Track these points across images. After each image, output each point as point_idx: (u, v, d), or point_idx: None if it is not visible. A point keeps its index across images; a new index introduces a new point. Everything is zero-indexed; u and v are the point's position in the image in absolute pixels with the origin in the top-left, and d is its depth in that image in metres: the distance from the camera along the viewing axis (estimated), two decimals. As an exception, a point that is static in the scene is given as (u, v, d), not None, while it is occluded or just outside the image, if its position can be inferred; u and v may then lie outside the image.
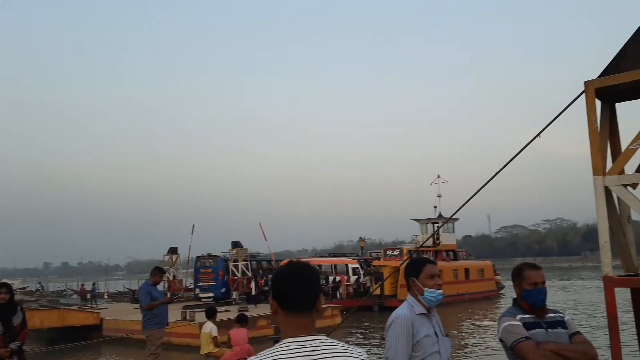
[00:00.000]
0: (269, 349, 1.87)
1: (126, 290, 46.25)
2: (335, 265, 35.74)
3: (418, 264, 3.18)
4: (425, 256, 3.33)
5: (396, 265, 16.96)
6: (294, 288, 1.88)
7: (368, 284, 31.74)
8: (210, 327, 9.27)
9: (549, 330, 3.04)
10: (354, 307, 12.59)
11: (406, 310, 3.06)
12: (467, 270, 37.71)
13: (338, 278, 33.03)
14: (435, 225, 38.15)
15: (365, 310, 28.20)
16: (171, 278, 33.78)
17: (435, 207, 38.99)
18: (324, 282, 31.32)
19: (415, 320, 3.01)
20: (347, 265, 35.71)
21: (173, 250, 34.63)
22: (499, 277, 41.76)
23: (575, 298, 33.08)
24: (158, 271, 8.67)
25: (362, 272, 34.56)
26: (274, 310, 1.91)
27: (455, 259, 39.00)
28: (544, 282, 3.13)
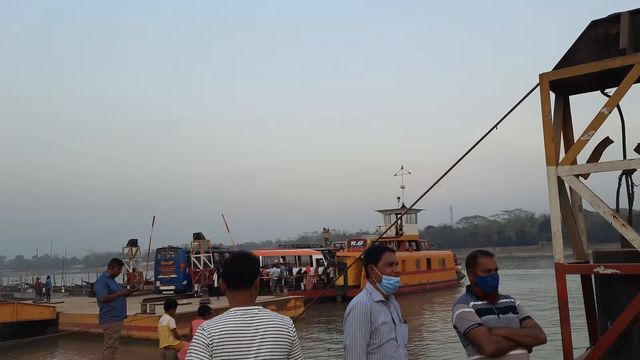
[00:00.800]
0: (219, 315, 2.48)
1: (84, 283, 45.13)
2: (299, 257, 35.83)
3: (377, 252, 3.20)
4: (384, 244, 3.34)
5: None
6: (235, 270, 2.55)
7: (332, 275, 31.94)
8: (167, 320, 9.14)
9: (501, 315, 3.11)
10: (315, 298, 12.64)
11: (365, 297, 3.08)
12: (429, 260, 38.39)
13: (304, 269, 33.13)
14: (398, 216, 38.65)
15: (329, 301, 28.40)
16: (131, 271, 33.14)
17: (398, 198, 39.50)
18: (287, 273, 31.36)
19: (373, 307, 3.03)
20: (310, 257, 35.84)
21: (133, 243, 33.95)
22: (459, 267, 42.68)
23: (531, 286, 34.17)
24: (116, 263, 8.48)
25: (326, 263, 34.77)
26: (223, 288, 2.57)
27: (418, 249, 39.63)
28: (496, 269, 3.20)
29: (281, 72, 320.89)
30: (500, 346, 2.96)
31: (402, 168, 40.21)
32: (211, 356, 2.35)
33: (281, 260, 33.51)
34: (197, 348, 2.37)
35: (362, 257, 3.53)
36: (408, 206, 37.85)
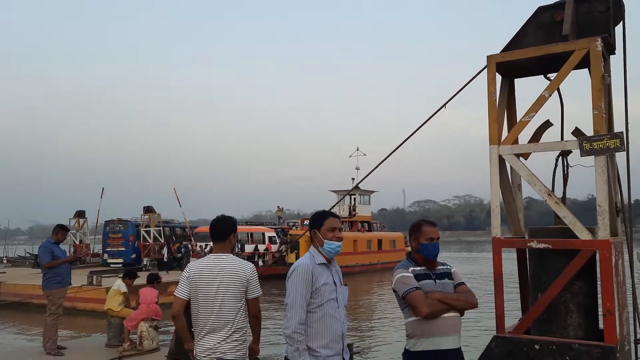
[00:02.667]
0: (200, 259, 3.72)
1: (27, 255, 43.61)
2: (251, 234, 35.80)
3: (320, 217, 3.31)
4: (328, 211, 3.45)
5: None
6: (215, 228, 3.72)
7: (284, 252, 32.14)
8: (118, 284, 9.05)
9: (437, 281, 3.29)
10: (260, 273, 12.68)
11: (307, 259, 3.20)
12: (380, 241, 39.14)
13: (264, 247, 33.20)
14: (353, 197, 39.09)
15: (281, 278, 28.56)
16: (77, 243, 32.28)
17: (353, 179, 39.87)
18: (239, 249, 31.31)
19: (315, 269, 3.15)
20: (263, 234, 35.88)
21: (80, 214, 33.00)
22: (409, 249, 43.55)
23: (477, 268, 35.46)
24: (61, 229, 8.26)
25: (278, 241, 34.91)
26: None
27: (370, 230, 40.29)
28: (438, 238, 3.36)
29: (234, 47, 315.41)
30: (434, 309, 3.13)
31: (357, 150, 40.60)
32: (189, 285, 3.57)
33: (234, 237, 33.37)
34: (182, 281, 3.65)
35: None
36: (362, 188, 38.48)
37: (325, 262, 3.23)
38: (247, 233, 35.60)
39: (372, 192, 41.35)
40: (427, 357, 3.16)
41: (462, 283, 3.34)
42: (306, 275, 3.11)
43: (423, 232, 3.34)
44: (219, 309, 3.47)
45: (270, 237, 35.34)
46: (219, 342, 3.46)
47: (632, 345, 4.53)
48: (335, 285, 3.22)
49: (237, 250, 30.97)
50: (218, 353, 3.45)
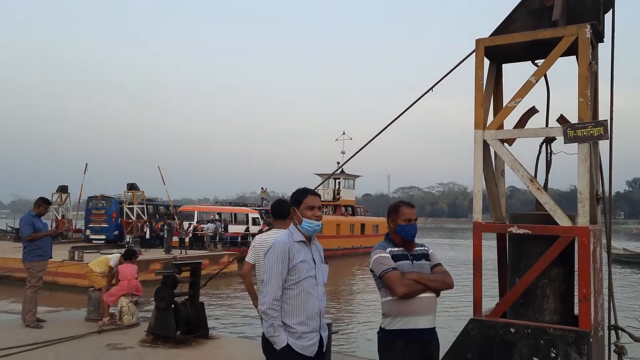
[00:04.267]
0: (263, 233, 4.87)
1: (9, 229, 43.09)
2: (235, 214, 35.74)
3: (300, 195, 3.30)
4: (309, 189, 3.43)
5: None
6: (274, 207, 4.85)
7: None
8: (112, 256, 8.99)
9: (414, 261, 3.31)
10: (239, 253, 12.68)
11: (285, 237, 3.19)
12: (363, 226, 39.34)
13: (257, 228, 33.19)
14: (337, 181, 39.18)
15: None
16: (60, 218, 31.95)
17: (338, 163, 39.87)
18: (222, 230, 31.24)
19: (292, 246, 3.14)
20: (247, 215, 35.86)
21: (63, 189, 32.62)
22: (392, 233, 43.91)
23: (457, 255, 35.87)
24: (42, 202, 8.15)
25: (262, 222, 34.90)
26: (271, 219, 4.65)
27: (354, 214, 40.47)
28: (416, 219, 3.37)
29: (220, 32, 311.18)
30: (410, 289, 3.16)
31: (343, 133, 40.55)
32: (254, 253, 4.74)
33: (217, 217, 33.31)
34: (249, 249, 4.91)
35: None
36: (348, 172, 38.55)
37: (304, 239, 3.22)
38: (231, 214, 35.55)
39: (357, 176, 41.46)
40: (402, 335, 3.19)
41: (439, 264, 3.37)
42: (283, 252, 3.10)
43: (401, 214, 3.35)
44: None
45: (254, 218, 35.33)
46: None
47: (606, 331, 4.62)
48: (315, 263, 3.21)
49: (220, 230, 30.92)
50: None
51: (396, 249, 3.34)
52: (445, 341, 4.00)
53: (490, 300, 5.36)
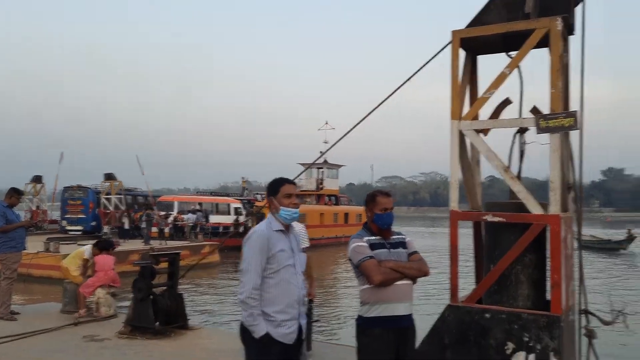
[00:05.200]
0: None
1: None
2: (217, 204, 35.57)
3: (276, 184, 3.32)
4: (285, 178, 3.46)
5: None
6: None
7: (250, 224, 32.15)
8: (85, 248, 8.86)
9: (392, 250, 3.37)
10: (221, 242, 12.65)
11: (264, 226, 3.22)
12: (346, 215, 39.53)
13: (242, 218, 33.11)
14: (320, 170, 39.23)
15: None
16: (34, 208, 31.44)
17: (321, 152, 39.87)
18: (204, 220, 31.08)
19: (272, 235, 3.17)
20: (228, 205, 35.72)
21: (37, 179, 32.06)
22: (373, 223, 44.28)
23: (437, 243, 36.31)
24: (14, 192, 8.01)
25: (244, 212, 34.82)
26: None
27: (337, 203, 40.63)
28: (392, 208, 3.43)
29: (189, 16, 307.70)
30: (387, 277, 3.22)
31: (326, 123, 40.56)
32: None
33: (198, 207, 33.17)
34: None
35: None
36: (332, 162, 38.61)
37: (283, 228, 3.26)
38: (213, 204, 35.37)
39: (340, 166, 41.58)
40: (380, 322, 3.25)
41: (416, 252, 3.44)
42: (262, 241, 3.13)
43: (377, 203, 3.41)
44: None
45: (236, 208, 35.22)
46: None
47: (577, 315, 4.76)
48: (293, 252, 3.26)
49: (201, 221, 30.78)
50: None
51: (373, 237, 3.40)
52: (423, 328, 4.10)
53: (468, 287, 5.48)
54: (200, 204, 34.19)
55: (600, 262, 27.16)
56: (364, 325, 3.36)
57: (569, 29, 4.44)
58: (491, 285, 4.34)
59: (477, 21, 4.49)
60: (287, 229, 3.29)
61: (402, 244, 3.45)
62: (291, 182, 3.36)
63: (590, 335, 4.46)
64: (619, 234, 35.80)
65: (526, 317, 4.08)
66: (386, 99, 5.30)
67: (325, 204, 38.58)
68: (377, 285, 3.23)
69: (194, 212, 31.33)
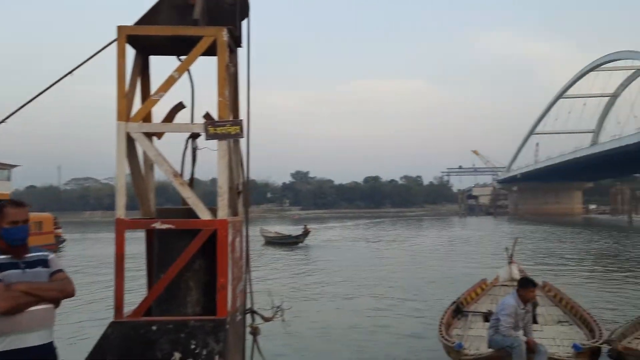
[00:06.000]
0: None
1: None
2: None
3: None
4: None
5: None
6: None
7: None
8: None
9: (27, 270, 2.88)
10: None
11: None
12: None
13: None
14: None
15: None
16: None
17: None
18: None
19: None
20: None
21: None
22: (60, 231, 40.30)
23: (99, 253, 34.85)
24: None
25: None
26: None
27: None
28: (25, 221, 2.93)
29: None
30: (16, 302, 2.73)
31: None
32: None
33: None
34: None
35: None
36: (1, 161, 32.97)
37: None
38: None
39: (13, 165, 36.09)
40: (7, 357, 2.72)
41: (60, 270, 3.02)
42: None
43: (5, 215, 2.87)
44: None
45: None
46: None
47: (245, 315, 5.01)
48: None
49: None
50: None
51: (3, 256, 2.84)
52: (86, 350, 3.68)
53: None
54: None
55: (280, 255, 30.28)
56: (-8, 361, 2.77)
57: (236, 41, 4.64)
58: (161, 294, 4.19)
59: (145, 19, 4.30)
60: None
61: (43, 262, 2.97)
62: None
63: (255, 332, 4.75)
64: (297, 230, 40.68)
65: (193, 324, 4.06)
66: (41, 93, 4.63)
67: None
68: (5, 314, 2.68)
69: None
